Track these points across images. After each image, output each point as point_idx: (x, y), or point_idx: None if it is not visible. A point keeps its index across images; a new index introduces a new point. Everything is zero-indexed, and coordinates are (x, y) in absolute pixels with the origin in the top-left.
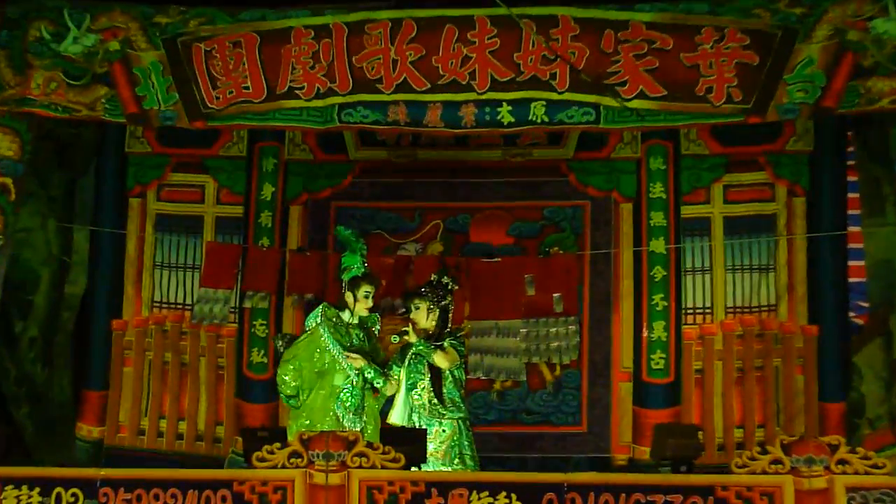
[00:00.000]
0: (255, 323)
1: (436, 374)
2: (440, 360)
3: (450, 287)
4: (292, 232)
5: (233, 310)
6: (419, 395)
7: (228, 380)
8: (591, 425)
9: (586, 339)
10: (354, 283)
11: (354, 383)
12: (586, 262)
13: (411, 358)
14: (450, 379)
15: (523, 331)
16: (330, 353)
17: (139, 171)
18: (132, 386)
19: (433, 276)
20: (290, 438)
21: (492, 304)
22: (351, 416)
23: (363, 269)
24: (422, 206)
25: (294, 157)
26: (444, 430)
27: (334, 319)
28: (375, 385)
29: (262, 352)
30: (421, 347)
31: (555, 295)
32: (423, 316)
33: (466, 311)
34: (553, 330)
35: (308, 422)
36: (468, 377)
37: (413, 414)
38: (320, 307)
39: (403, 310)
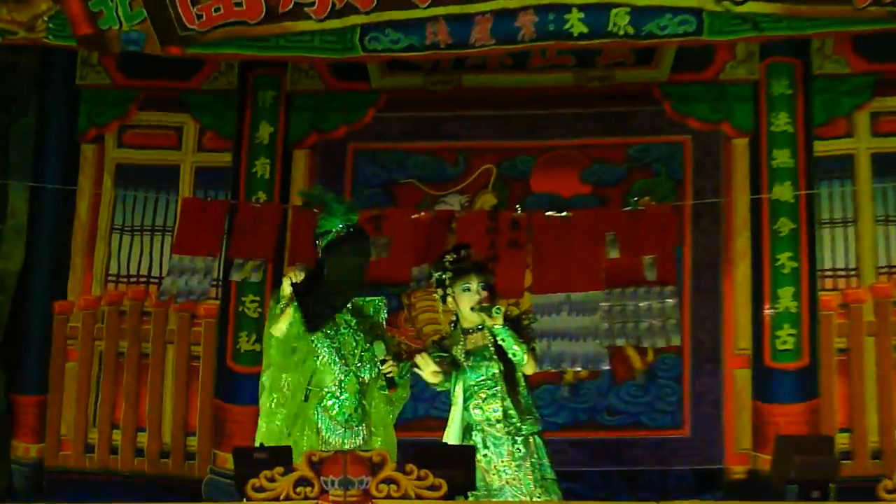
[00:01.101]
0: (244, 300)
1: (510, 376)
2: (531, 361)
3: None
4: (297, 184)
5: (214, 283)
6: (487, 407)
7: (205, 375)
8: (697, 427)
9: (688, 314)
10: (332, 250)
11: (343, 386)
12: (687, 216)
13: (480, 353)
14: (523, 382)
15: (604, 305)
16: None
17: (95, 109)
18: (76, 387)
19: (460, 251)
20: (294, 460)
21: (562, 273)
22: (341, 428)
23: (345, 230)
24: (468, 147)
25: (299, 87)
26: (519, 449)
27: None
28: (433, 382)
29: (254, 337)
30: (510, 342)
31: (646, 258)
32: (472, 300)
33: (528, 283)
34: (644, 304)
35: (279, 425)
36: None
37: (475, 432)
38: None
39: (440, 292)
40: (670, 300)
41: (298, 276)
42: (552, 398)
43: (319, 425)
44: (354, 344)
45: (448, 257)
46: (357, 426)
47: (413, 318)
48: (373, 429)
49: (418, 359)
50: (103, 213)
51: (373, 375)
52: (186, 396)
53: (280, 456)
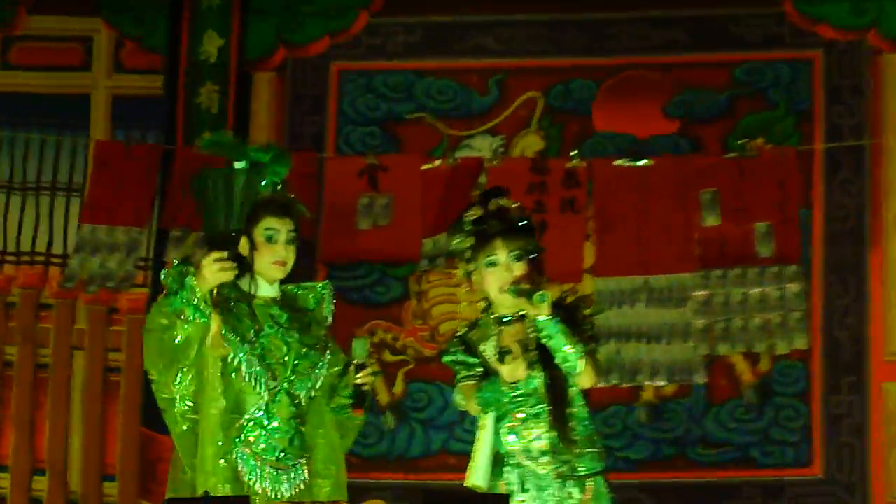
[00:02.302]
0: None
1: (559, 391)
2: (590, 369)
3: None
4: (258, 119)
5: (142, 264)
6: (527, 433)
7: (129, 394)
8: (831, 465)
9: (818, 306)
10: (251, 218)
11: (271, 410)
12: (817, 166)
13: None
14: (580, 399)
15: (699, 294)
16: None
17: None
18: None
19: (487, 201)
20: None
21: (638, 247)
22: (271, 470)
23: (272, 189)
24: (502, 67)
25: None
26: (571, 496)
27: (223, 292)
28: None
29: None
30: (560, 341)
31: (758, 226)
32: (501, 278)
33: (588, 261)
34: (755, 291)
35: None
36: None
37: (509, 468)
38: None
39: (461, 268)
40: (793, 286)
41: (226, 271)
42: (623, 425)
43: (240, 468)
44: (286, 349)
45: (469, 214)
46: (294, 465)
47: (425, 313)
48: (319, 468)
49: (461, 390)
50: None
51: (314, 392)
52: (102, 425)
53: None
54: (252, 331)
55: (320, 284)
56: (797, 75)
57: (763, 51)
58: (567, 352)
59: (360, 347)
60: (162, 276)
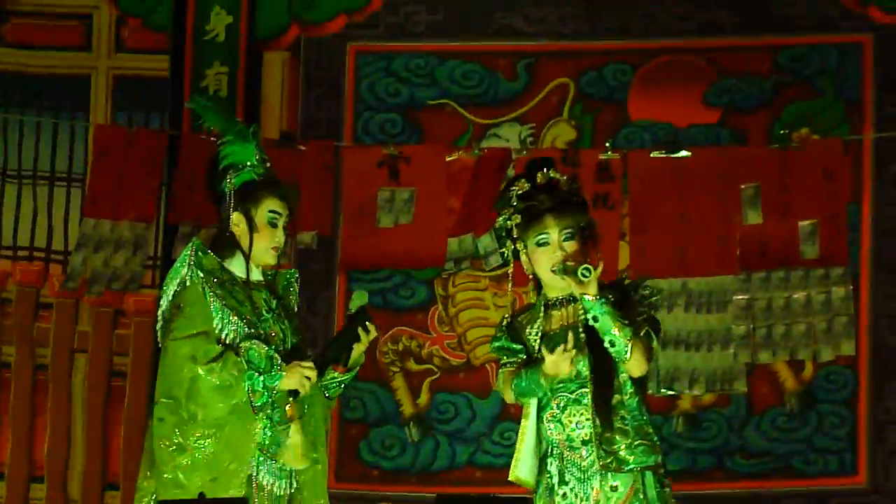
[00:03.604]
0: None
1: (605, 377)
2: (639, 356)
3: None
4: (269, 104)
5: (149, 262)
6: (569, 421)
7: (134, 400)
8: (877, 474)
9: (866, 308)
10: (249, 196)
11: (276, 400)
12: (866, 158)
13: (562, 339)
14: (630, 387)
15: (740, 298)
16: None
17: None
18: None
19: (534, 174)
20: None
21: (675, 246)
22: (273, 464)
23: (263, 168)
24: (531, 50)
25: None
26: (615, 489)
27: (217, 275)
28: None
29: None
30: (607, 323)
31: (803, 224)
32: (553, 258)
33: (623, 262)
34: (800, 294)
35: (195, 472)
36: None
37: (551, 458)
38: (189, 248)
39: (508, 247)
40: (839, 289)
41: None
42: (660, 435)
43: (252, 465)
44: (283, 336)
45: (516, 188)
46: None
47: (452, 319)
48: (315, 455)
49: (501, 375)
50: None
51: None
52: (104, 431)
53: None
54: (254, 316)
55: (289, 271)
56: (846, 61)
57: (810, 34)
58: (615, 335)
59: (358, 298)
60: (248, 347)
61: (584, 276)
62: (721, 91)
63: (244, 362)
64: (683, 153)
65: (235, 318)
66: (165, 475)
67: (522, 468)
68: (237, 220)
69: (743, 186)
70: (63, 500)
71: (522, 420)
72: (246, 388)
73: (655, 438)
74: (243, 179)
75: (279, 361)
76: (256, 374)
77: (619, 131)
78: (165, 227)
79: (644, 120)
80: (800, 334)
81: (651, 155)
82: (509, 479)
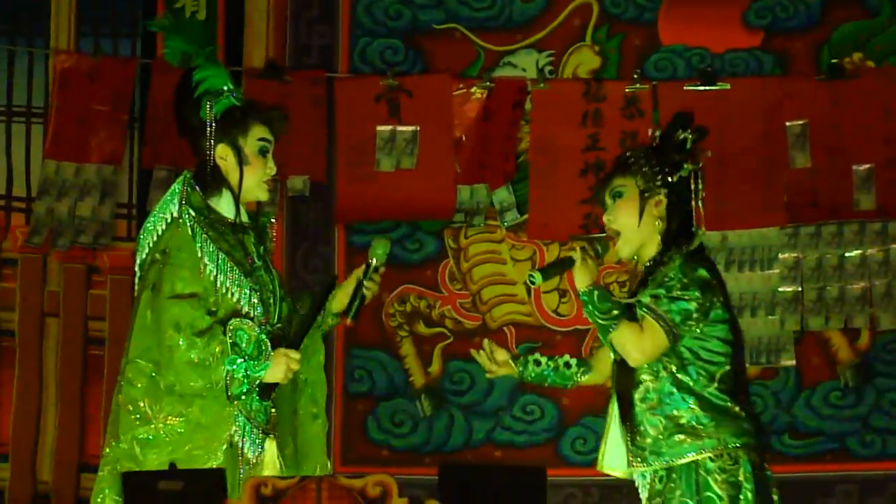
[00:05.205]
0: None
1: (620, 374)
2: (625, 343)
3: (688, 143)
4: (253, 28)
5: (122, 212)
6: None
7: (114, 370)
8: None
9: None
10: (236, 124)
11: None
12: None
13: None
14: (648, 373)
15: (787, 257)
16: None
17: None
18: None
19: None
20: (230, 495)
21: (713, 194)
22: (259, 434)
23: (240, 93)
24: None
25: None
26: (650, 485)
27: (205, 214)
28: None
29: None
30: (589, 315)
31: (857, 169)
32: (632, 213)
33: None
34: (854, 253)
35: (153, 449)
36: None
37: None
38: (179, 182)
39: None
40: None
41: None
42: None
43: (234, 432)
44: (271, 287)
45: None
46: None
47: (465, 275)
48: (314, 409)
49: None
50: None
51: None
52: (81, 406)
53: (204, 485)
54: (247, 263)
55: (264, 214)
56: None
57: None
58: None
59: (380, 247)
60: (237, 326)
61: (530, 282)
62: (763, 10)
63: (228, 343)
64: (721, 85)
65: (231, 263)
66: (122, 444)
67: (612, 458)
68: (223, 153)
69: (788, 124)
70: (31, 482)
71: (609, 404)
72: (224, 373)
73: (700, 423)
74: (224, 106)
75: (268, 349)
76: (240, 359)
77: (648, 58)
78: (139, 170)
79: (676, 45)
80: (855, 298)
81: (685, 87)
82: (598, 469)
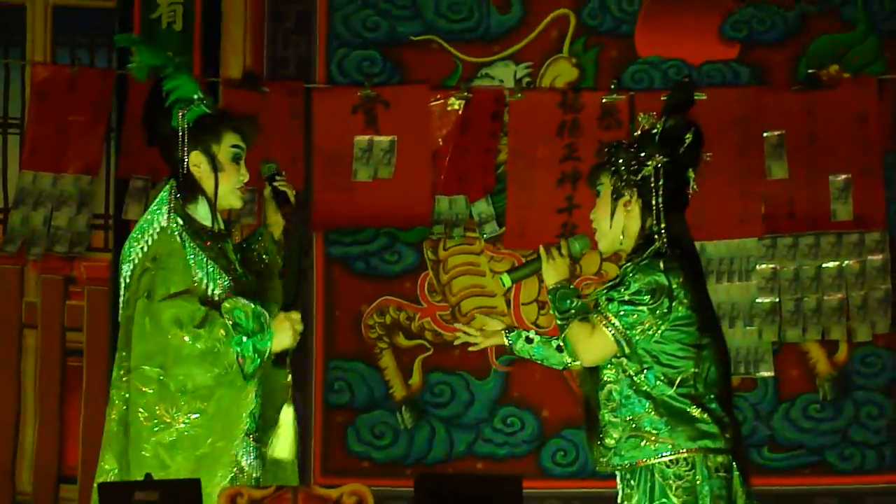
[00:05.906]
0: None
1: (589, 371)
2: (577, 342)
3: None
4: (230, 39)
5: (98, 222)
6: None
7: (92, 382)
8: None
9: None
10: (208, 132)
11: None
12: None
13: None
14: (612, 375)
15: (764, 268)
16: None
17: None
18: None
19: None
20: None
21: (689, 204)
22: (254, 445)
23: (210, 101)
24: None
25: None
26: (624, 490)
27: (188, 222)
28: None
29: None
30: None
31: (834, 179)
32: (605, 213)
33: None
34: (831, 264)
35: (179, 451)
36: None
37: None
38: (166, 191)
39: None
40: (876, 257)
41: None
42: None
43: (241, 442)
44: (255, 292)
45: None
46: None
47: (445, 287)
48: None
49: None
50: None
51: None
52: (60, 417)
53: (180, 495)
54: (231, 270)
55: (259, 229)
56: None
57: None
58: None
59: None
60: (232, 307)
61: (502, 284)
62: (739, 23)
63: (230, 325)
64: (697, 96)
65: (220, 270)
66: (144, 453)
67: None
68: (197, 161)
69: (766, 134)
70: (11, 492)
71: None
72: (234, 354)
73: (655, 428)
74: (196, 114)
75: (268, 319)
76: (244, 336)
77: (625, 70)
78: (116, 181)
79: (653, 57)
80: (832, 309)
81: (662, 98)
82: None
